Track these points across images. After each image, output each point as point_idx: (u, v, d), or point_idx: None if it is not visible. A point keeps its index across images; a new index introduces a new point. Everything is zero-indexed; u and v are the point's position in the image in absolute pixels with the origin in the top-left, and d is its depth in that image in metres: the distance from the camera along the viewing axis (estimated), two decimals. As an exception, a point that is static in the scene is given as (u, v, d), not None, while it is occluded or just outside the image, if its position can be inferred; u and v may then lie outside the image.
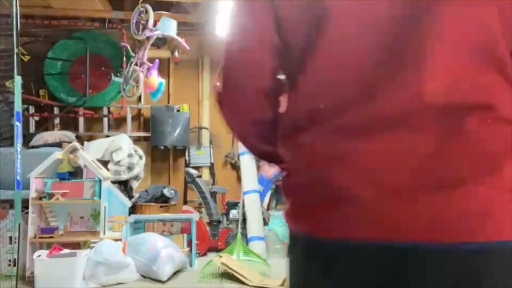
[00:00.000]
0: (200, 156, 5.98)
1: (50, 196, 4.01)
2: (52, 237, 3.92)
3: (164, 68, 5.75)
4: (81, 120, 5.76)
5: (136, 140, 5.69)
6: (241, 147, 5.13)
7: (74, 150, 4.27)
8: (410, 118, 0.67)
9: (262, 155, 0.97)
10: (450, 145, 0.66)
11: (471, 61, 0.68)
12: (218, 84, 0.88)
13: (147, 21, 4.21)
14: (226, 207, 5.10)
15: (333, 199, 0.70)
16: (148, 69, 4.36)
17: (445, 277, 0.65)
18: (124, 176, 4.86)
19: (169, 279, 3.79)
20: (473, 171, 0.66)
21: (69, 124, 5.71)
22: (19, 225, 3.47)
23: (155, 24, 4.26)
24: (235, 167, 6.01)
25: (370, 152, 0.69)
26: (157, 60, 4.45)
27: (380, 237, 0.66)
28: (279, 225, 4.76)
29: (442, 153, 0.66)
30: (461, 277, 0.65)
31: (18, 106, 3.16)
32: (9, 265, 3.84)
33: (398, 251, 0.66)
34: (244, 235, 4.67)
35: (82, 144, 4.91)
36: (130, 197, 4.97)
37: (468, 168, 0.66)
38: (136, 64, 4.37)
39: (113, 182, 4.69)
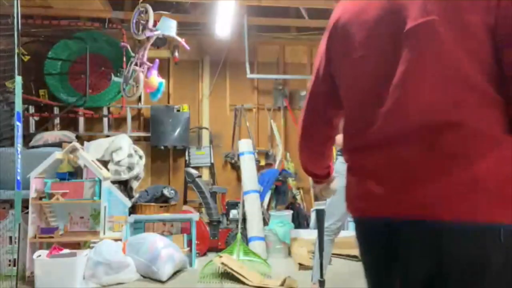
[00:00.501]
0: (200, 156, 5.98)
1: (50, 196, 4.01)
2: (52, 237, 3.92)
3: (164, 68, 5.75)
4: (81, 120, 5.76)
5: (136, 140, 5.69)
6: (241, 147, 5.14)
7: (74, 150, 4.27)
8: (400, 136, 0.99)
9: (308, 174, 1.52)
10: (429, 154, 0.94)
11: (445, 89, 0.94)
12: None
13: (147, 21, 4.20)
14: (226, 207, 5.10)
15: (360, 194, 1.11)
16: (148, 69, 4.36)
17: (416, 244, 0.98)
18: (124, 176, 4.86)
19: (169, 279, 3.79)
20: (445, 173, 0.93)
21: (69, 124, 5.71)
22: (19, 225, 3.46)
23: (155, 24, 4.26)
24: (235, 167, 6.02)
25: (375, 162, 1.04)
26: (157, 60, 4.45)
27: (383, 216, 1.02)
28: (279, 225, 4.76)
29: (422, 161, 0.95)
30: (422, 243, 0.96)
31: (18, 106, 3.16)
32: (9, 265, 3.84)
33: (391, 225, 1.01)
34: (244, 235, 4.68)
35: (82, 144, 4.91)
36: (130, 197, 4.97)
37: (440, 171, 0.93)
38: (136, 64, 4.36)
39: (113, 182, 4.69)
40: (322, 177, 1.53)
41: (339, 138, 1.33)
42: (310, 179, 1.66)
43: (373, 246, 1.11)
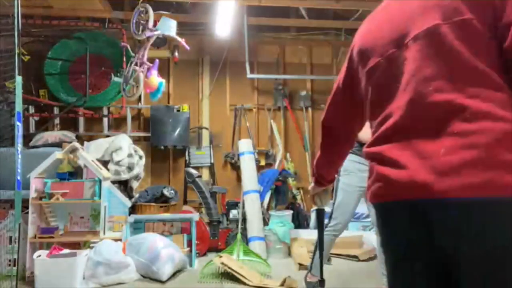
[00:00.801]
0: (200, 156, 5.98)
1: (50, 196, 4.01)
2: (52, 237, 3.92)
3: (164, 68, 5.76)
4: (81, 120, 5.77)
5: (136, 140, 5.70)
6: (241, 147, 5.13)
7: (74, 150, 4.27)
8: (415, 125, 1.08)
9: (318, 174, 1.64)
10: (440, 137, 1.03)
11: (452, 81, 1.04)
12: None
13: (147, 21, 4.20)
14: (226, 207, 5.10)
15: (379, 179, 1.16)
16: (148, 69, 4.35)
17: (434, 223, 1.04)
18: (124, 176, 4.86)
19: (169, 279, 3.79)
20: (456, 153, 0.99)
21: (69, 124, 5.72)
22: (19, 225, 3.47)
23: (155, 24, 4.26)
24: (235, 167, 6.02)
25: (393, 149, 1.12)
26: (157, 60, 4.45)
27: (402, 199, 1.09)
28: (279, 225, 4.76)
29: (434, 143, 1.03)
30: (440, 222, 1.02)
31: (19, 106, 3.16)
32: (9, 265, 3.84)
33: (410, 206, 1.08)
34: (244, 235, 4.68)
35: (82, 144, 4.91)
36: (130, 197, 4.97)
37: (452, 151, 1.00)
38: (136, 64, 4.36)
39: (113, 182, 4.69)
40: (328, 181, 1.66)
41: (362, 134, 1.47)
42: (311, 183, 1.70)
43: (395, 229, 1.16)
